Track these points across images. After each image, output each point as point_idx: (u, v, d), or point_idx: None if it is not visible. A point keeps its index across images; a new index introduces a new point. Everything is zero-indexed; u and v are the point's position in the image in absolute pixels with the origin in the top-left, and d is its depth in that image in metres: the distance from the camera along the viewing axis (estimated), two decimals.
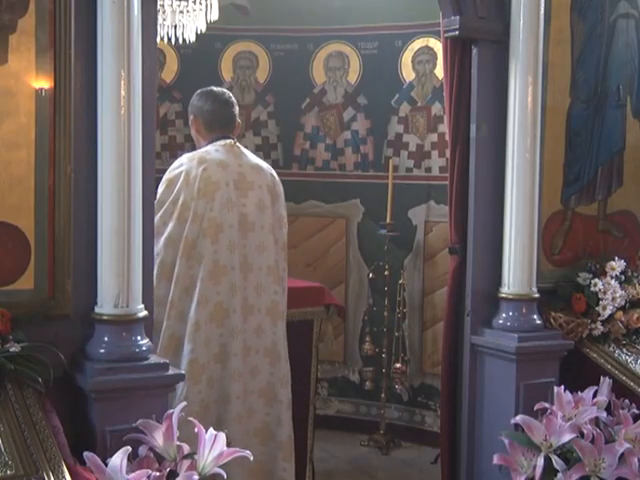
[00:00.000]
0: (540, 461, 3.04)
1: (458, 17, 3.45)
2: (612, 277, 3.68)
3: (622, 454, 3.03)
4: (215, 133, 3.50)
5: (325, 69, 5.41)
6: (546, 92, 3.62)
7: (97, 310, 2.67)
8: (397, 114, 5.21)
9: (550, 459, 3.04)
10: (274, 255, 3.42)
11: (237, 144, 3.53)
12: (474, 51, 3.54)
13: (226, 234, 3.27)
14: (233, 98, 3.60)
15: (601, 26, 3.82)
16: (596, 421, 3.18)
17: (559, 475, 3.03)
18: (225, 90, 3.64)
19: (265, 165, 3.58)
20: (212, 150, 3.44)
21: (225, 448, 2.47)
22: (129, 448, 2.37)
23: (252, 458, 2.52)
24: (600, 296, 3.64)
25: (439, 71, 4.88)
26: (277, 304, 3.38)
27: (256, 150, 5.44)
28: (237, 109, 3.57)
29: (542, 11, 3.44)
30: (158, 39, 3.97)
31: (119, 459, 2.31)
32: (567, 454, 3.06)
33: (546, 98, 3.63)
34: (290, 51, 5.42)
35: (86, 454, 2.37)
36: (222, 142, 3.47)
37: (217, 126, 3.51)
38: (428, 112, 5.11)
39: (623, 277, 3.72)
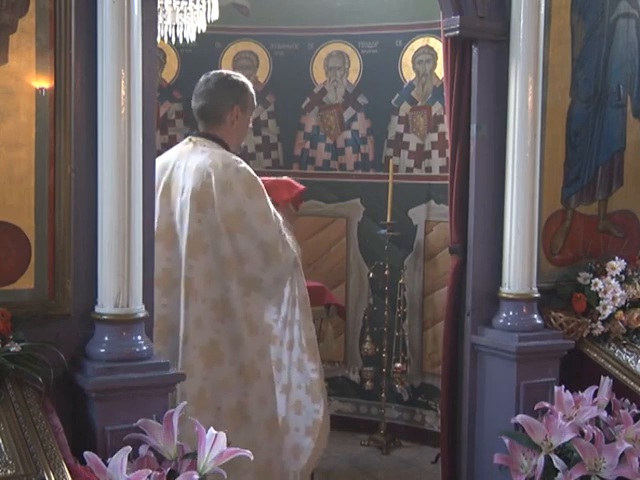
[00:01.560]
0: (540, 461, 3.04)
1: (458, 17, 3.45)
2: (612, 277, 3.68)
3: (622, 454, 3.04)
4: (201, 129, 3.40)
5: (325, 69, 5.40)
6: (546, 92, 3.62)
7: (97, 310, 2.67)
8: (397, 114, 5.20)
9: (550, 459, 3.04)
10: (204, 268, 3.10)
11: (193, 141, 3.32)
12: (474, 51, 3.53)
13: (158, 243, 2.98)
14: (211, 83, 3.34)
15: (601, 26, 3.82)
16: (596, 421, 3.19)
17: (559, 475, 3.03)
18: (209, 75, 3.41)
19: (205, 164, 3.19)
20: (173, 149, 3.39)
21: (225, 448, 2.47)
22: (129, 448, 2.37)
23: (252, 458, 2.52)
24: (600, 296, 3.64)
25: (439, 71, 4.87)
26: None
27: (256, 150, 5.45)
28: (215, 98, 3.31)
29: (542, 11, 3.44)
30: (158, 39, 3.97)
31: (119, 459, 2.32)
32: (567, 454, 3.07)
33: (546, 98, 3.63)
34: (290, 51, 5.41)
35: (86, 454, 2.37)
36: (186, 139, 3.39)
37: (198, 121, 3.42)
38: (428, 112, 5.10)
39: (623, 277, 3.72)
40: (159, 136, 5.24)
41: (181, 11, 3.78)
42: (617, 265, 3.71)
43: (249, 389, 3.11)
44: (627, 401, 3.36)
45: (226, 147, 3.33)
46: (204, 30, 4.07)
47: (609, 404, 3.31)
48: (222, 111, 3.31)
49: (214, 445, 2.47)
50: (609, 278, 3.67)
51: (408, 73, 5.15)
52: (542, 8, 3.43)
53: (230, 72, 3.56)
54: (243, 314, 3.12)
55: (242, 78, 3.43)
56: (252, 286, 3.16)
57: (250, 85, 3.40)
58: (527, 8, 3.39)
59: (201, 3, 3.77)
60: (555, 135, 3.72)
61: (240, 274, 3.13)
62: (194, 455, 2.47)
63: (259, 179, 3.25)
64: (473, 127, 3.55)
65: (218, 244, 3.12)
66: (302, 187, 3.61)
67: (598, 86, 3.84)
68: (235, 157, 3.27)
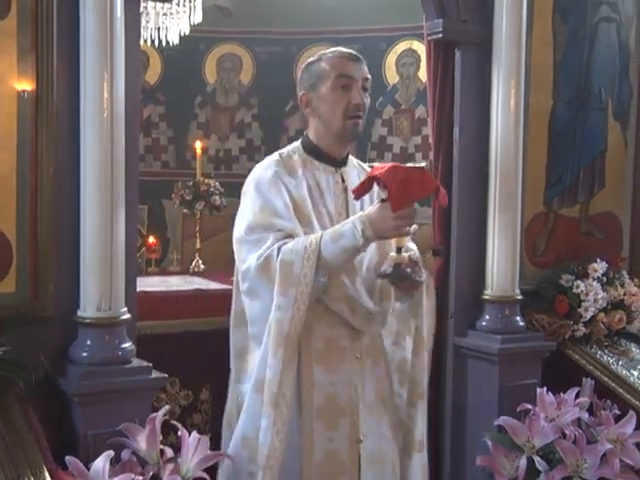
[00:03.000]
0: (523, 462, 3.05)
1: (441, 20, 3.47)
2: (594, 279, 3.70)
3: (604, 454, 3.06)
4: None
5: None
6: (529, 94, 3.64)
7: (80, 313, 2.65)
8: (381, 117, 5.23)
9: (533, 460, 3.06)
10: None
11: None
12: (457, 54, 3.55)
13: None
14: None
15: (583, 30, 3.85)
16: (578, 422, 3.20)
17: (542, 476, 3.04)
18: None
19: None
20: None
21: (208, 452, 2.47)
22: (112, 452, 2.36)
23: (228, 461, 2.51)
24: (582, 298, 3.66)
25: (423, 74, 4.90)
26: None
27: (240, 153, 5.44)
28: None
29: (524, 14, 3.46)
30: (141, 41, 3.97)
31: (101, 463, 2.30)
32: (549, 455, 3.08)
33: (529, 100, 3.65)
34: (274, 53, 5.42)
35: (68, 459, 2.36)
36: None
37: None
38: (412, 115, 5.13)
39: (605, 279, 3.74)
40: (142, 139, 5.23)
41: (164, 14, 3.78)
42: (599, 267, 3.73)
43: None
44: (608, 402, 3.38)
45: (305, 141, 2.54)
46: (187, 33, 4.07)
47: (591, 405, 3.33)
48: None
49: (197, 449, 2.46)
50: (591, 280, 3.69)
51: (392, 76, 5.18)
52: (524, 12, 3.45)
53: None
54: None
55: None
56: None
57: (313, 59, 2.54)
58: (509, 12, 3.41)
59: (184, 6, 3.77)
60: (537, 138, 3.74)
61: None
62: (176, 459, 2.46)
63: (258, 178, 2.46)
64: (456, 130, 3.57)
65: None
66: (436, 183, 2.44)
67: (580, 89, 3.87)
68: (276, 153, 2.55)
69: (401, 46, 5.07)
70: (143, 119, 5.21)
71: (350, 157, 2.56)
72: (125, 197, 2.67)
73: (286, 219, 2.36)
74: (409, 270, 2.34)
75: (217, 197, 4.81)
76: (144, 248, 5.19)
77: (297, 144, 2.54)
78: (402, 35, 5.05)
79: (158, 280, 4.29)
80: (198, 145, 4.93)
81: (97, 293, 2.61)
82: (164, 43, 4.20)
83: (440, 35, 3.49)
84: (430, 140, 3.89)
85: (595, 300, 3.66)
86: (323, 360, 2.40)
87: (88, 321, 2.63)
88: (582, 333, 3.67)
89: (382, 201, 2.30)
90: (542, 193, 3.80)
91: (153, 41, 4.00)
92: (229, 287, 4.15)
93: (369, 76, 2.46)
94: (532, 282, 3.71)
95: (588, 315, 3.66)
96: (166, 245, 5.76)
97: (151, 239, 5.12)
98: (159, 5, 3.75)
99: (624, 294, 3.78)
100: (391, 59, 5.08)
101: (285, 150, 2.52)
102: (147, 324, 3.34)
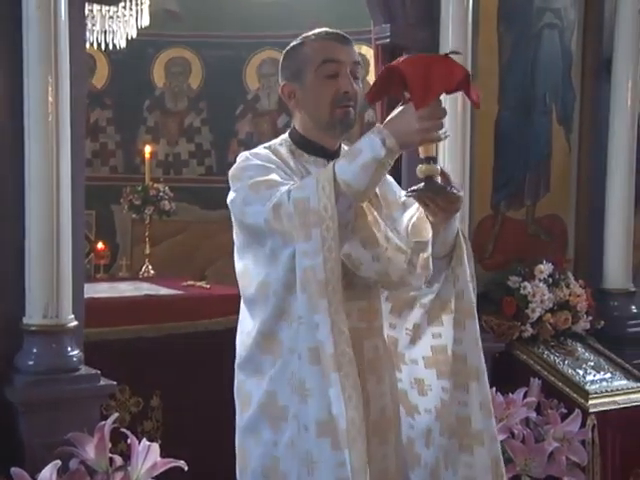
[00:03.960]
0: None
1: (389, 25, 3.50)
2: (540, 280, 3.76)
3: (551, 452, 3.11)
4: None
5: (258, 75, 5.40)
6: None
7: (25, 321, 2.61)
8: None
9: None
10: None
11: None
12: None
13: None
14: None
15: (527, 35, 3.92)
16: (526, 421, 3.25)
17: None
18: None
19: None
20: None
21: (159, 459, 2.45)
22: (59, 462, 2.32)
23: (186, 468, 2.49)
24: (529, 299, 3.71)
25: (371, 78, 4.93)
26: None
27: (189, 157, 5.41)
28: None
29: (470, 20, 3.51)
30: (87, 44, 3.92)
31: (48, 473, 2.27)
32: None
33: None
34: (223, 57, 5.40)
35: (13, 470, 2.31)
36: None
37: None
38: (361, 119, 5.16)
39: (551, 280, 3.81)
40: (90, 143, 5.16)
41: (110, 17, 3.74)
42: (545, 269, 3.80)
43: None
44: (555, 401, 3.44)
45: (293, 132, 2.21)
46: (135, 36, 4.03)
47: (538, 404, 3.38)
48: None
49: (147, 456, 2.44)
50: (537, 281, 3.75)
51: None
52: (469, 17, 3.50)
53: None
54: None
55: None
56: None
57: (295, 43, 2.18)
58: (455, 17, 3.46)
59: (131, 9, 3.74)
60: (484, 142, 3.79)
61: None
62: (126, 467, 2.43)
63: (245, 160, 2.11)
64: None
65: None
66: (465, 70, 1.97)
67: (525, 94, 3.93)
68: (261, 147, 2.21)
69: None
70: (90, 123, 5.14)
71: (343, 146, 2.19)
72: (71, 202, 2.64)
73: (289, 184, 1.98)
74: (442, 183, 1.93)
75: (166, 202, 4.77)
76: (92, 254, 5.12)
77: (284, 136, 2.21)
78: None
79: (107, 286, 4.24)
80: (147, 149, 4.89)
81: (43, 300, 2.57)
82: (111, 47, 4.15)
83: (388, 40, 3.52)
84: None
85: (542, 301, 3.72)
86: (374, 370, 2.10)
87: (34, 329, 2.59)
88: (529, 334, 3.73)
89: (407, 102, 1.87)
90: (489, 196, 3.86)
91: (100, 44, 3.96)
92: (179, 292, 4.16)
93: (359, 59, 2.13)
94: (480, 284, 3.75)
95: (535, 316, 3.71)
96: (115, 251, 5.70)
97: (99, 245, 5.05)
98: (105, 8, 3.71)
99: (569, 295, 3.85)
100: None
101: (271, 143, 2.19)
102: (96, 331, 3.31)
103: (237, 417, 2.12)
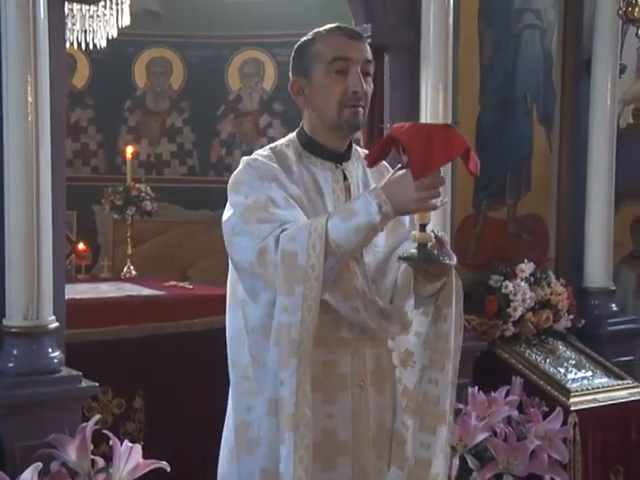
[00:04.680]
0: (455, 461, 3.10)
1: (370, 25, 3.50)
2: (522, 279, 3.78)
3: (533, 450, 3.13)
4: None
5: (240, 76, 5.40)
6: (457, 99, 3.70)
7: (5, 322, 2.59)
8: None
9: (465, 459, 3.10)
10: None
11: None
12: (386, 58, 3.59)
13: None
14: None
15: (508, 36, 3.94)
16: (508, 420, 3.27)
17: (474, 474, 3.10)
18: None
19: None
20: None
21: (141, 460, 2.44)
22: (40, 464, 2.31)
23: (168, 470, 2.48)
24: (511, 298, 3.73)
25: None
26: None
27: (171, 157, 5.39)
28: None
29: (451, 20, 3.51)
30: (68, 44, 3.89)
31: (29, 476, 2.25)
32: (481, 453, 3.14)
33: (457, 104, 3.71)
34: (205, 57, 5.39)
35: None
36: None
37: None
38: None
39: (532, 279, 3.83)
40: (71, 144, 5.13)
41: (91, 16, 3.72)
42: (526, 268, 3.82)
43: None
44: (537, 399, 3.46)
45: (301, 133, 2.14)
46: (115, 36, 4.01)
47: (520, 403, 3.40)
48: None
49: (129, 457, 2.43)
50: (519, 280, 3.77)
51: None
52: (450, 17, 3.51)
53: None
54: None
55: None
56: None
57: (307, 38, 2.15)
58: (436, 17, 3.46)
59: (111, 8, 3.72)
60: None
61: None
62: (108, 469, 2.42)
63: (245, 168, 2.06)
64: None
65: None
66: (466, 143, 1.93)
67: (506, 94, 3.95)
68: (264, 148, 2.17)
69: None
70: (71, 123, 5.11)
71: (355, 148, 2.15)
72: (52, 203, 2.62)
73: (285, 208, 1.93)
74: (436, 252, 1.92)
75: (148, 202, 4.75)
76: (73, 255, 5.09)
77: (292, 136, 2.14)
78: None
79: (88, 287, 4.22)
80: (128, 150, 4.87)
81: (23, 301, 2.55)
82: (92, 46, 4.13)
83: (369, 40, 3.51)
84: (361, 143, 3.93)
85: (523, 300, 3.74)
86: (320, 388, 1.98)
87: (14, 330, 2.57)
88: (511, 332, 3.75)
89: (401, 168, 1.87)
90: (471, 196, 3.87)
91: (80, 44, 3.94)
92: (161, 293, 4.14)
93: (371, 57, 2.06)
94: (462, 283, 3.76)
95: (517, 315, 3.73)
96: (97, 251, 5.67)
97: (81, 245, 5.03)
98: (85, 7, 3.68)
99: (551, 294, 3.87)
100: None
101: (278, 143, 2.12)
102: (77, 332, 3.29)
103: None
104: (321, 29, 2.13)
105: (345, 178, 2.09)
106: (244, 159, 2.06)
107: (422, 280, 2.01)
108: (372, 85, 2.05)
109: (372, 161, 1.96)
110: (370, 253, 2.03)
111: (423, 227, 1.88)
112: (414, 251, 1.87)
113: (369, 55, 2.05)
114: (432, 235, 1.90)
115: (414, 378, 2.11)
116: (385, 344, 2.13)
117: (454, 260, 1.97)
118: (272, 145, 2.11)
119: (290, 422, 1.84)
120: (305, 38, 2.13)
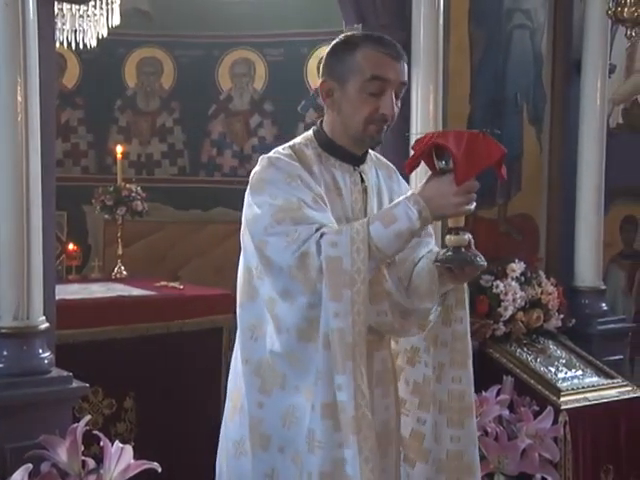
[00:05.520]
0: None
1: (360, 25, 3.51)
2: (512, 279, 3.79)
3: (524, 449, 3.14)
4: None
5: (231, 75, 5.39)
6: (447, 99, 3.71)
7: None
8: (304, 120, 5.24)
9: None
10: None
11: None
12: None
13: None
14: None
15: (498, 36, 3.95)
16: (499, 419, 3.28)
17: None
18: None
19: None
20: None
21: (132, 461, 2.43)
22: (30, 465, 2.30)
23: (159, 470, 2.48)
24: (502, 297, 3.74)
25: None
26: None
27: (162, 157, 5.38)
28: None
29: (441, 21, 3.52)
30: (57, 44, 3.88)
31: (19, 477, 2.24)
32: None
33: (447, 105, 3.72)
34: (195, 57, 5.38)
35: None
36: None
37: None
38: None
39: (523, 278, 3.84)
40: (61, 144, 5.12)
41: (81, 16, 3.71)
42: (517, 267, 3.83)
43: None
44: (528, 399, 3.47)
45: (320, 133, 2.14)
46: (105, 35, 4.00)
47: (511, 402, 3.41)
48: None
49: (120, 458, 2.42)
50: (509, 280, 3.78)
51: (314, 80, 5.20)
52: (441, 18, 3.52)
53: None
54: None
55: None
56: None
57: (349, 43, 2.08)
58: (426, 18, 3.47)
59: (101, 8, 3.71)
60: None
61: None
62: (99, 470, 2.41)
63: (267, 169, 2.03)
64: None
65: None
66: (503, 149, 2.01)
67: (496, 94, 3.96)
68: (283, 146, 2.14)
69: (322, 50, 5.10)
70: (61, 123, 5.10)
71: (370, 152, 2.19)
72: (42, 203, 2.61)
73: (316, 209, 1.94)
74: (470, 253, 1.99)
75: (139, 202, 4.74)
76: (63, 255, 5.07)
77: (309, 135, 2.13)
78: (323, 40, 5.07)
79: (79, 287, 4.21)
80: (119, 150, 4.86)
81: (13, 302, 2.54)
82: (82, 46, 4.12)
83: None
84: None
85: (514, 299, 3.75)
86: (381, 382, 2.09)
87: (4, 331, 2.55)
88: (502, 332, 3.76)
89: (440, 173, 1.92)
90: None
91: (70, 44, 3.92)
92: (152, 293, 4.13)
93: (406, 80, 2.06)
94: None
95: (507, 314, 3.74)
96: (87, 252, 5.65)
97: (71, 246, 5.01)
98: (75, 7, 3.67)
99: (541, 293, 3.88)
100: (312, 63, 5.12)
101: (296, 142, 2.11)
102: (68, 332, 3.28)
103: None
104: (365, 36, 2.11)
105: (362, 180, 2.12)
106: (265, 157, 2.05)
107: (449, 281, 2.07)
108: (400, 105, 2.07)
109: (412, 169, 2.00)
110: None
111: (457, 230, 1.97)
112: (450, 254, 1.94)
113: (405, 78, 2.06)
114: (467, 238, 1.97)
115: (422, 373, 2.16)
116: (389, 346, 2.17)
117: (485, 262, 2.02)
118: (291, 144, 2.11)
119: (352, 425, 1.86)
120: (346, 40, 2.09)
